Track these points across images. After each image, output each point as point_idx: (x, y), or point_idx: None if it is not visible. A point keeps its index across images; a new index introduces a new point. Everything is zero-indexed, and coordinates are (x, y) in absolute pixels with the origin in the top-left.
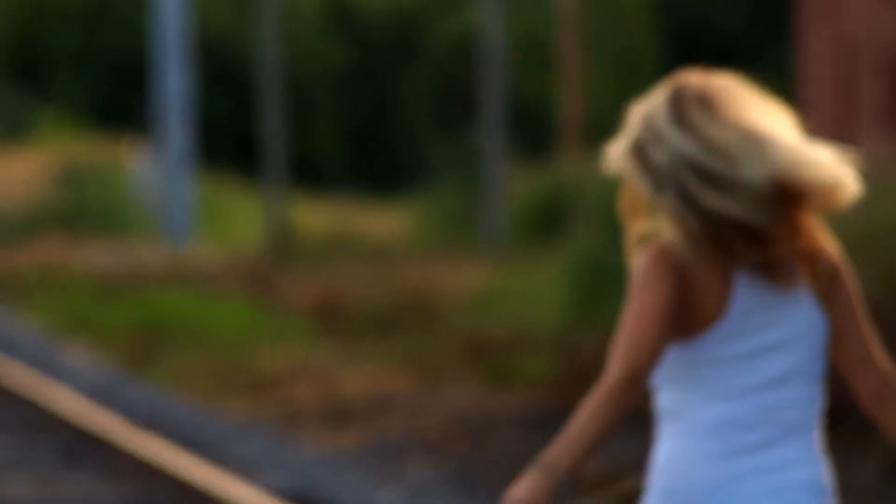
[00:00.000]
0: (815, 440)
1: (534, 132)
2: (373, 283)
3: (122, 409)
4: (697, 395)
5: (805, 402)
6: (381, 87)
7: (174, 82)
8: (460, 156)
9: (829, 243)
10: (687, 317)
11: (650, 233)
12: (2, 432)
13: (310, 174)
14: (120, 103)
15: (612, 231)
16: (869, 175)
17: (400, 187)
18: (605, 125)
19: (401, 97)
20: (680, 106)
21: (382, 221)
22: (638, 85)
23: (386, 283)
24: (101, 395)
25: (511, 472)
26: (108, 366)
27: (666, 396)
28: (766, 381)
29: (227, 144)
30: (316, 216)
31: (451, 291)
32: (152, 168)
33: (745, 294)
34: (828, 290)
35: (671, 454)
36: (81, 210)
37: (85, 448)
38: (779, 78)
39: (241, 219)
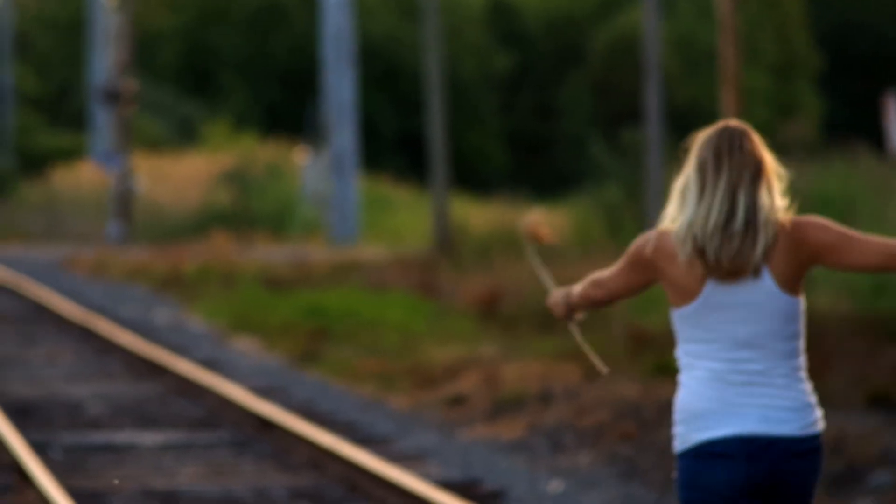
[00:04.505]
0: (790, 377)
1: (693, 132)
2: (535, 279)
3: (289, 402)
4: (694, 353)
5: (778, 354)
6: (543, 90)
7: (339, 86)
8: (621, 156)
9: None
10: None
11: None
12: (175, 424)
13: (472, 175)
14: (286, 106)
15: None
16: None
17: (560, 187)
18: (762, 125)
19: (562, 99)
20: None
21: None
22: (793, 86)
23: None
24: (269, 388)
25: (674, 462)
26: (275, 360)
27: (679, 353)
28: (739, 343)
29: (389, 145)
30: (479, 215)
31: None
32: (318, 169)
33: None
34: (804, 251)
35: (683, 394)
36: (249, 210)
37: (254, 438)
38: None
39: (404, 218)
